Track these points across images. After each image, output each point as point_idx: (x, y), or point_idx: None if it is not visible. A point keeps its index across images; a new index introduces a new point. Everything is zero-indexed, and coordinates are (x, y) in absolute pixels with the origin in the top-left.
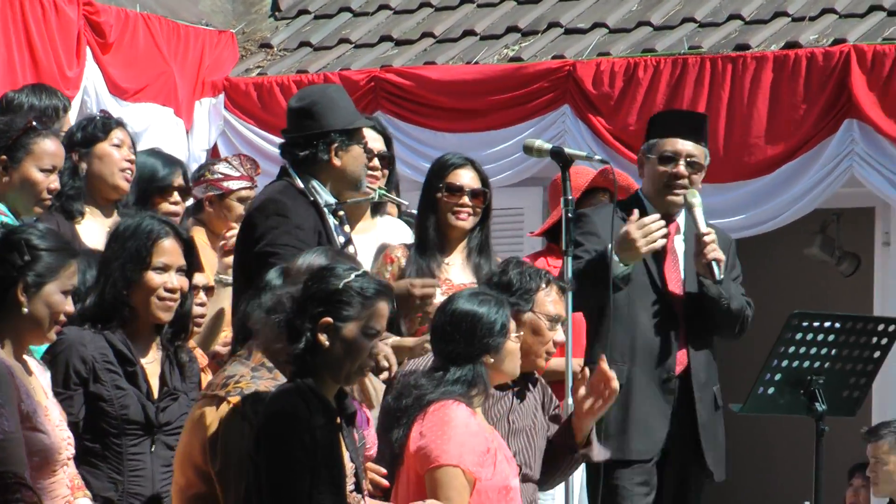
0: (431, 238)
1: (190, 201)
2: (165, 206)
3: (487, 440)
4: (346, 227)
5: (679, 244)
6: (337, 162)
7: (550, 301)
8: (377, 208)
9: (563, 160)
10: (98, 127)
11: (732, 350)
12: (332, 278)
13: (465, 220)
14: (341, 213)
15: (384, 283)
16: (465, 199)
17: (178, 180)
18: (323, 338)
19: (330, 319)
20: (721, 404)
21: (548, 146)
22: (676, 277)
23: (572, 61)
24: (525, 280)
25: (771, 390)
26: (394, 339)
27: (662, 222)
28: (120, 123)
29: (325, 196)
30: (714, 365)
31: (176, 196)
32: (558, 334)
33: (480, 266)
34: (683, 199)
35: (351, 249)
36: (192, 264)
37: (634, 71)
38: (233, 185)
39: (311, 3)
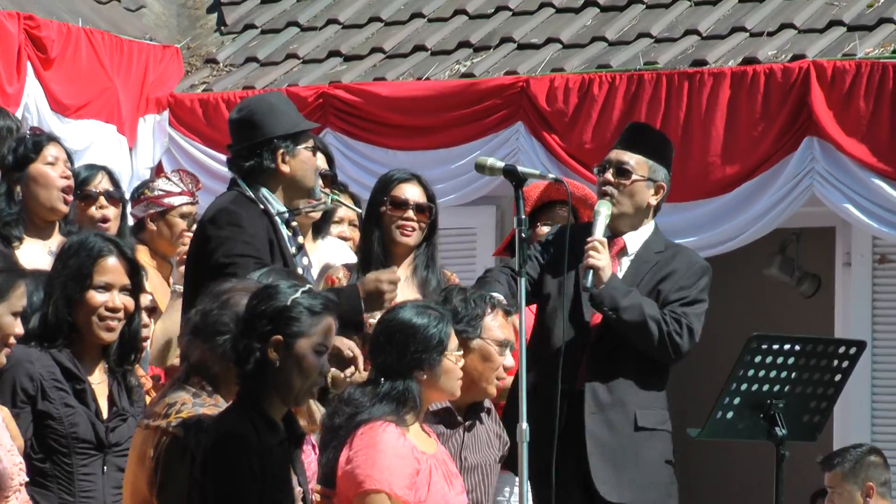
0: (376, 254)
1: (131, 220)
2: (93, 213)
3: (418, 461)
4: (300, 238)
5: (624, 263)
6: (285, 168)
7: (498, 326)
8: (318, 229)
9: (516, 179)
10: (29, 147)
11: (690, 374)
12: (279, 295)
13: (410, 236)
14: (294, 223)
15: (330, 299)
16: (410, 214)
17: (103, 184)
18: (274, 356)
19: (280, 337)
20: (650, 426)
21: (500, 164)
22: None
23: (525, 77)
24: (470, 307)
25: (730, 415)
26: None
27: (398, 277)
28: (52, 139)
29: (276, 205)
30: (642, 388)
31: (102, 201)
32: (507, 359)
33: (428, 281)
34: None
35: (305, 260)
36: (138, 284)
37: (589, 87)
38: (174, 200)
39: (257, 18)
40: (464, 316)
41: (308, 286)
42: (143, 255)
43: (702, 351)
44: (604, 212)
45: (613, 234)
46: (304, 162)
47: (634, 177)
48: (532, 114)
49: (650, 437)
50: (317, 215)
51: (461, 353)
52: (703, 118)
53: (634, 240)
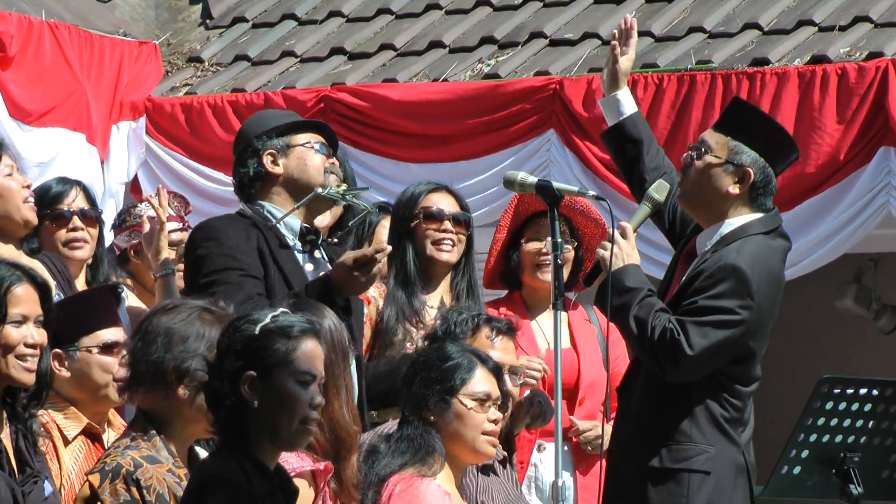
0: (412, 272)
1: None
2: (62, 235)
3: None
4: (319, 253)
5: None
6: (276, 170)
7: (482, 347)
8: (338, 231)
9: (552, 197)
10: None
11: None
12: (246, 325)
13: (450, 252)
14: (311, 237)
15: (310, 320)
16: (448, 226)
17: (77, 202)
18: (249, 396)
19: (253, 373)
20: (669, 465)
21: (533, 180)
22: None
23: (559, 78)
24: (451, 329)
25: (797, 469)
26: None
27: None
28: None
29: (279, 215)
30: (663, 421)
31: (77, 221)
32: (504, 384)
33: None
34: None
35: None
36: (49, 311)
37: (633, 89)
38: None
39: (248, 10)
40: (442, 339)
41: (281, 310)
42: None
43: (764, 396)
44: (654, 197)
45: (693, 231)
46: (301, 158)
47: (708, 158)
48: (566, 120)
49: (667, 477)
50: (334, 211)
51: (488, 403)
52: None
53: (705, 240)
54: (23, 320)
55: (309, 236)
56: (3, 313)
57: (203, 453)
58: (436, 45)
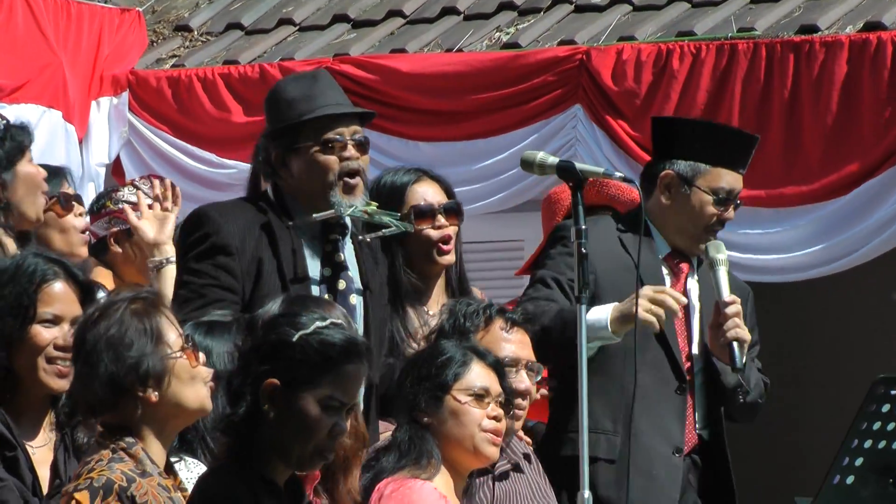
0: (403, 286)
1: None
2: (71, 221)
3: None
4: (339, 255)
5: (692, 286)
6: (287, 174)
7: (494, 341)
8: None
9: (574, 178)
10: (17, 138)
11: (797, 428)
12: (286, 328)
13: (449, 248)
14: (334, 237)
15: (357, 340)
16: (442, 220)
17: (70, 189)
18: (266, 405)
19: (276, 381)
20: None
21: (553, 160)
22: (690, 327)
23: (585, 48)
24: (459, 321)
25: (850, 479)
26: None
27: (683, 300)
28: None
29: (296, 216)
30: (723, 433)
31: (79, 207)
32: (520, 381)
33: None
34: (705, 251)
35: (341, 284)
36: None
37: (667, 61)
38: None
39: None
40: (450, 333)
41: (329, 320)
42: (105, 280)
43: (811, 398)
44: (723, 258)
45: (677, 250)
46: (310, 164)
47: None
48: (594, 94)
49: None
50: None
51: (488, 399)
52: (812, 100)
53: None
54: (55, 321)
55: (332, 235)
56: (32, 312)
57: (184, 467)
58: (449, 11)
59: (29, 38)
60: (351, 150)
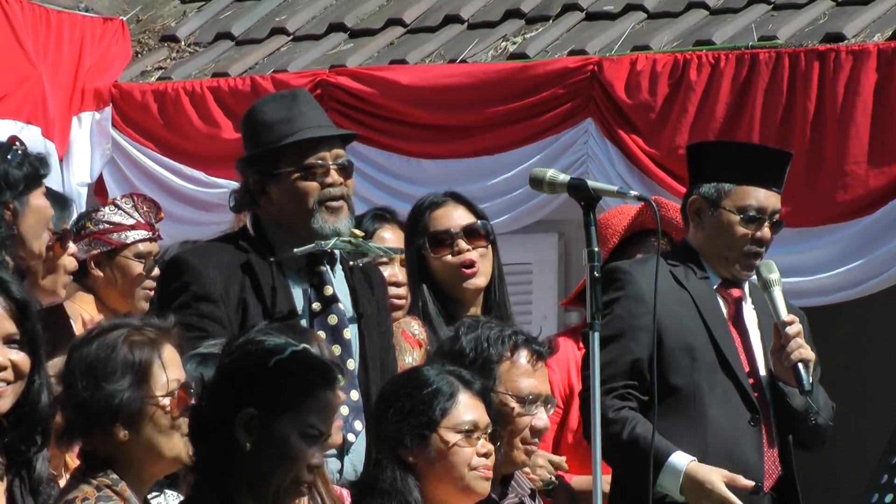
0: (433, 314)
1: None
2: (67, 262)
3: None
4: (328, 289)
5: (749, 312)
6: (266, 203)
7: (521, 374)
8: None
9: (586, 197)
10: (35, 166)
11: (837, 444)
12: (259, 353)
13: (474, 271)
14: (322, 269)
15: (334, 365)
16: (462, 244)
17: (68, 224)
18: (242, 436)
19: (253, 411)
20: None
21: (564, 178)
22: (753, 355)
23: (597, 58)
24: (482, 347)
25: (889, 497)
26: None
27: (750, 483)
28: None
29: (283, 250)
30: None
31: (72, 246)
32: (539, 418)
33: None
34: (757, 272)
35: (332, 319)
36: (33, 333)
37: (684, 71)
38: (126, 236)
39: None
40: (473, 360)
41: (302, 345)
42: (86, 306)
43: (852, 417)
44: (776, 278)
45: (729, 282)
46: (290, 191)
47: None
48: (606, 108)
49: None
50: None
51: (476, 434)
52: (838, 112)
53: (745, 284)
54: None
55: (318, 267)
56: None
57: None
58: (452, 19)
59: (5, 50)
60: (333, 176)
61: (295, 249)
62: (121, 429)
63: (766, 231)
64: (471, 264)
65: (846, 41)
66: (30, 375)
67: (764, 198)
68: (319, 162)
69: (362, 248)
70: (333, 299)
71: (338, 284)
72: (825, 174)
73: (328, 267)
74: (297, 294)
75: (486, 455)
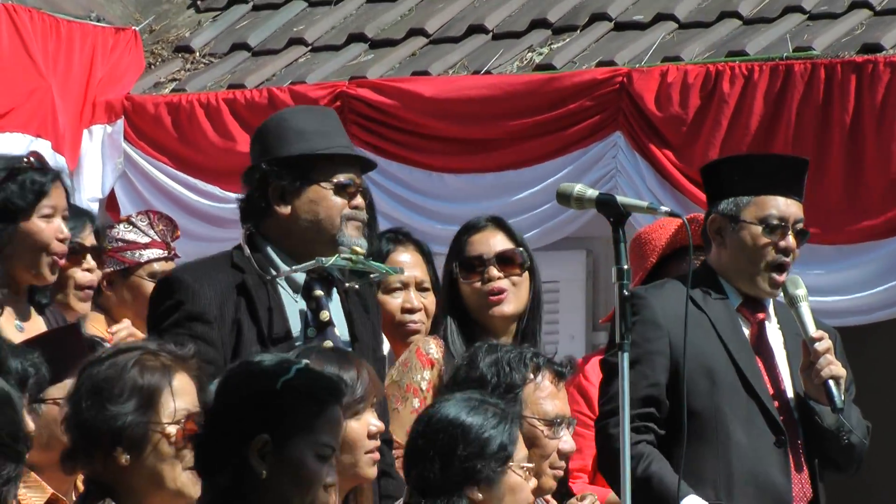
0: (457, 344)
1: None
2: (78, 275)
3: None
4: (325, 314)
5: (774, 333)
6: (284, 210)
7: (546, 396)
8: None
9: (615, 213)
10: (29, 195)
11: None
12: (264, 376)
13: (503, 299)
14: (319, 293)
15: (338, 380)
16: (493, 272)
17: (89, 238)
18: (257, 463)
19: (267, 437)
20: None
21: (593, 193)
22: (778, 375)
23: (626, 70)
24: (504, 372)
25: None
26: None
27: None
28: (56, 177)
29: (282, 269)
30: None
31: (89, 261)
32: (565, 441)
33: None
34: (783, 289)
35: (328, 343)
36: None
37: (716, 83)
38: (141, 255)
39: None
40: (495, 386)
41: (305, 361)
42: (99, 325)
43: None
44: (803, 293)
45: (749, 299)
46: (316, 202)
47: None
48: (636, 120)
49: None
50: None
51: (532, 465)
52: (876, 125)
53: (769, 301)
54: None
55: (315, 292)
56: None
57: None
58: (476, 29)
59: (14, 61)
60: (359, 199)
61: (293, 267)
62: (122, 453)
63: (789, 239)
64: (499, 291)
65: (884, 52)
66: None
67: (784, 206)
68: (350, 181)
69: (363, 267)
70: (329, 324)
71: (333, 308)
72: (864, 190)
73: (325, 294)
74: (294, 316)
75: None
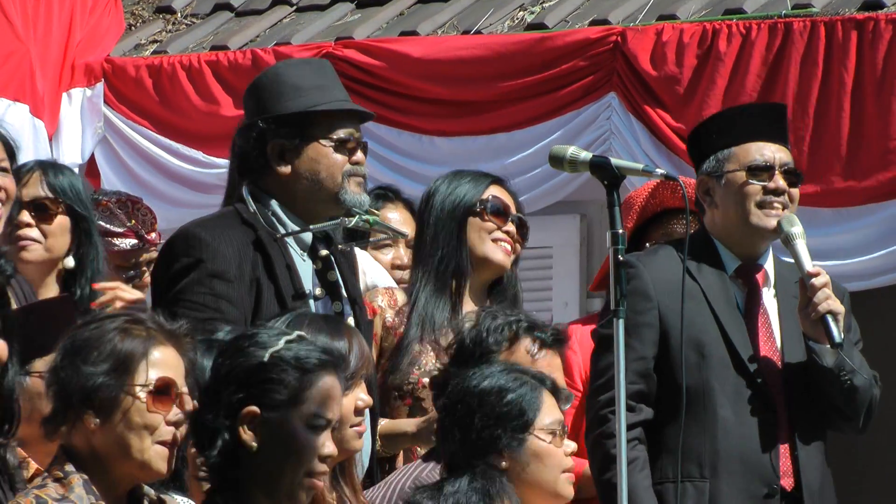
0: (449, 281)
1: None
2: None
3: None
4: (332, 274)
5: (769, 300)
6: (284, 169)
7: (518, 363)
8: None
9: (610, 176)
10: None
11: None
12: (252, 349)
13: (509, 255)
14: (325, 252)
15: (331, 349)
16: (511, 228)
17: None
18: (248, 436)
19: (256, 409)
20: None
21: (586, 156)
22: (770, 347)
23: (620, 28)
24: (481, 337)
25: None
26: (385, 422)
27: None
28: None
29: (290, 226)
30: (828, 472)
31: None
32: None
33: None
34: (778, 226)
35: (337, 306)
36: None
37: (713, 42)
38: (111, 243)
39: None
40: (472, 352)
41: (297, 333)
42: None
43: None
44: (798, 231)
45: (746, 260)
46: (317, 161)
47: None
48: (630, 81)
49: None
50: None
51: (564, 431)
52: (877, 84)
53: (769, 265)
54: None
55: (321, 252)
56: None
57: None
58: None
59: None
60: (359, 155)
61: (311, 226)
62: (92, 417)
63: (778, 181)
64: (508, 244)
65: (885, 9)
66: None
67: (769, 151)
68: (350, 137)
69: (379, 228)
70: (336, 284)
71: (337, 275)
72: (865, 151)
73: (331, 253)
74: (305, 275)
75: (571, 454)
